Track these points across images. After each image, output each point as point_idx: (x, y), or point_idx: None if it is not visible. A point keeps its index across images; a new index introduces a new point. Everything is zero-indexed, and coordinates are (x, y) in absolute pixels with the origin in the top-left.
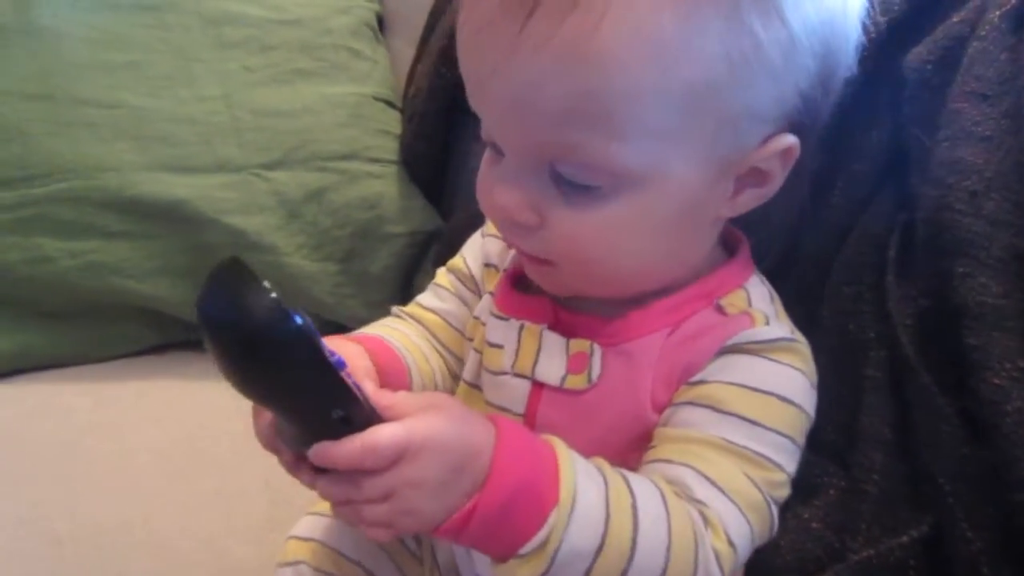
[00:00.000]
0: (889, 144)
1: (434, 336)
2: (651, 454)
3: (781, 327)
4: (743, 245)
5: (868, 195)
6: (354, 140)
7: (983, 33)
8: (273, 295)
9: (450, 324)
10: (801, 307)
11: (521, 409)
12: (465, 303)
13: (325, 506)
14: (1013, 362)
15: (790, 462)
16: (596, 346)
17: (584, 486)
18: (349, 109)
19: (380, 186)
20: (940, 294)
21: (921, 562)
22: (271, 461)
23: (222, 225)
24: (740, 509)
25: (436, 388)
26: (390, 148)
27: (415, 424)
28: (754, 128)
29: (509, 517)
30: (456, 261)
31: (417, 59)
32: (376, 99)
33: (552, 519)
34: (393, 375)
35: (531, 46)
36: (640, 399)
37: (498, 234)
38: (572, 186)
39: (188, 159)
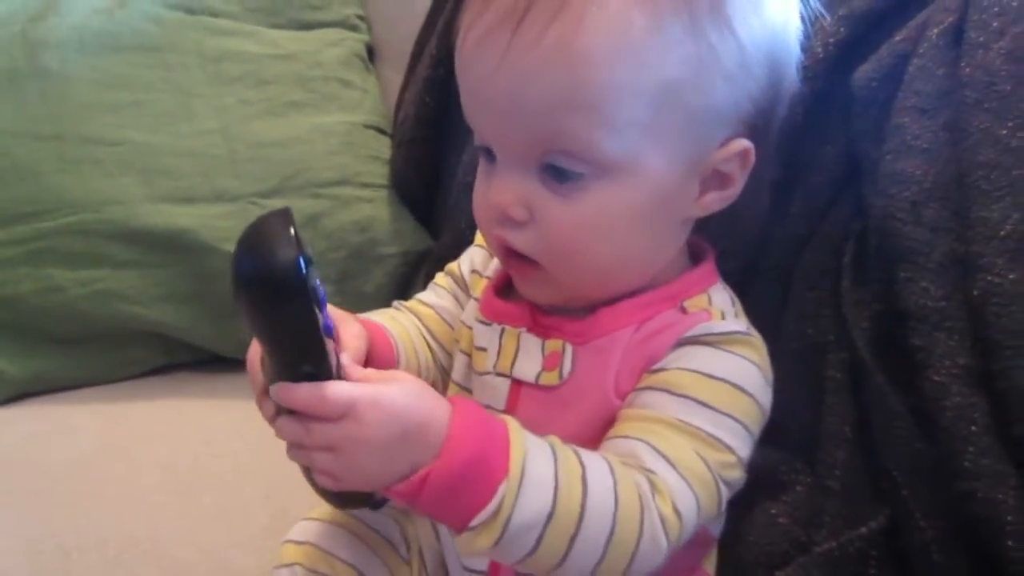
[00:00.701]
0: (843, 157)
1: (427, 328)
2: (610, 432)
3: (738, 323)
4: (709, 255)
5: (826, 205)
6: (345, 167)
7: (922, 51)
8: (293, 252)
9: (443, 318)
10: (766, 313)
11: (502, 405)
12: (458, 301)
13: (321, 512)
14: (953, 360)
15: (743, 447)
16: (568, 345)
17: (534, 458)
18: (340, 137)
19: (372, 210)
20: (889, 298)
21: (881, 552)
22: (271, 477)
23: (223, 252)
24: (688, 483)
25: (419, 376)
26: (380, 173)
27: (367, 387)
28: (716, 129)
29: (462, 487)
30: (453, 265)
31: (405, 87)
32: (367, 127)
33: (502, 490)
34: (383, 359)
35: (523, 47)
36: (606, 390)
37: (484, 244)
38: (559, 180)
39: (189, 191)
